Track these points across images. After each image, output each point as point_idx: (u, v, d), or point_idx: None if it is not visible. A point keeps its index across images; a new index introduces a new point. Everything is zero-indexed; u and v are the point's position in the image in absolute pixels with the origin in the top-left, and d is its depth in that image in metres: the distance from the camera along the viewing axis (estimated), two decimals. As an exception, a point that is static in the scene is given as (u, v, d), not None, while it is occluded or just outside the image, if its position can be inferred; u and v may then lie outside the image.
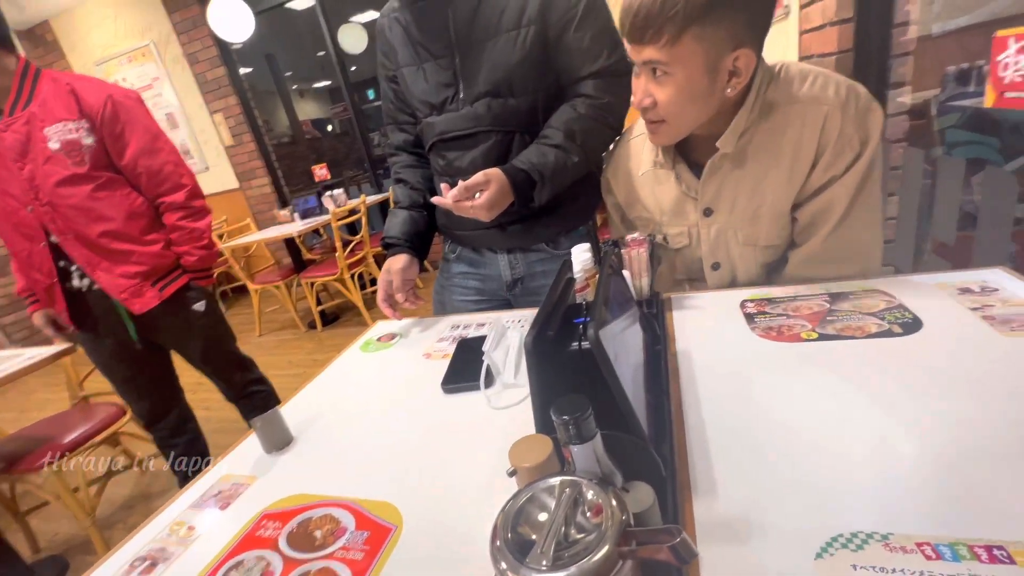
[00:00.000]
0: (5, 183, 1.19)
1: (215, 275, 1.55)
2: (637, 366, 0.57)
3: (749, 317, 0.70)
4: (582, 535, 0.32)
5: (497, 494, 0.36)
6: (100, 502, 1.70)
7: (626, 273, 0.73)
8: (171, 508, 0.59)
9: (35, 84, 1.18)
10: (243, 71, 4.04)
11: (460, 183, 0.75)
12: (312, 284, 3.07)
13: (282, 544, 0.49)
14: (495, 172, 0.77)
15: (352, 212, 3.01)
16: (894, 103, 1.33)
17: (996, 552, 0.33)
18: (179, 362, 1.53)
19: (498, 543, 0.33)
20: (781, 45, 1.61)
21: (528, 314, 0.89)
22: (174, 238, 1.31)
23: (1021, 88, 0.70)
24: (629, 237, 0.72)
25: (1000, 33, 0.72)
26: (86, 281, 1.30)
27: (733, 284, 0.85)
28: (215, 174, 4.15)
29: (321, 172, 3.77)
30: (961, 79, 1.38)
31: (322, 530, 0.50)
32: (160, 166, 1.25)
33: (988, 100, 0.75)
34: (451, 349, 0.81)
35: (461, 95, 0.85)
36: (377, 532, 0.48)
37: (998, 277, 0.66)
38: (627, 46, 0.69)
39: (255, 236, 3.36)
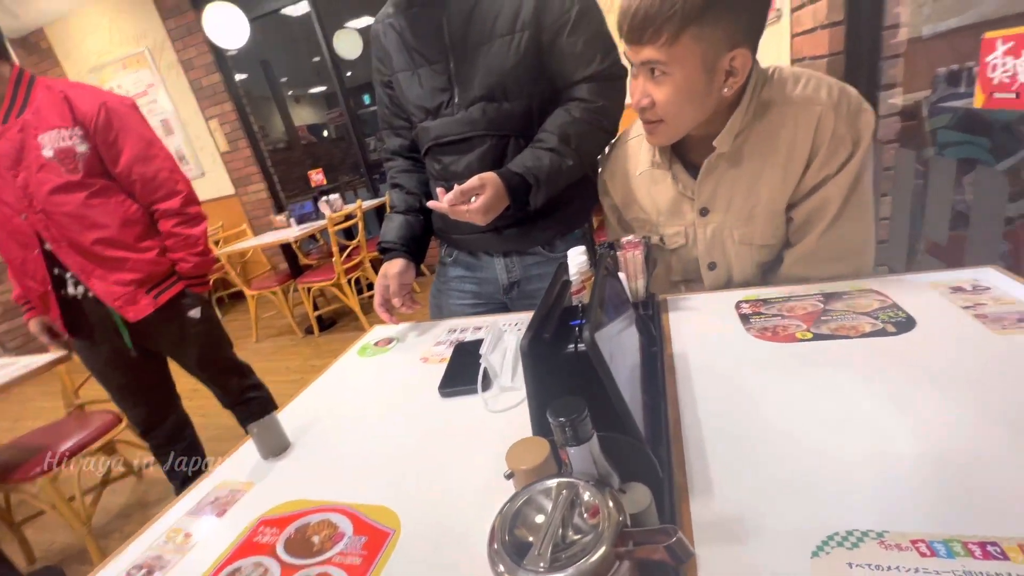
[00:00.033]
0: None
1: (211, 281, 1.55)
2: (634, 368, 0.57)
3: (744, 318, 0.70)
4: (579, 536, 0.32)
5: (495, 497, 0.36)
6: (96, 511, 1.69)
7: (622, 275, 0.73)
8: (168, 516, 0.59)
9: (29, 92, 1.18)
10: (238, 77, 4.04)
11: (456, 187, 0.76)
12: (309, 289, 3.06)
13: (280, 550, 0.49)
14: (490, 176, 0.77)
15: (348, 217, 3.01)
16: (885, 104, 1.34)
17: (990, 548, 0.34)
18: (176, 368, 1.52)
19: (495, 546, 0.33)
20: (774, 48, 1.62)
21: (525, 317, 0.89)
22: (169, 245, 1.30)
23: (1009, 89, 0.71)
24: (624, 239, 0.73)
25: (988, 35, 0.73)
26: (81, 289, 1.29)
27: (729, 284, 0.86)
28: (211, 180, 4.14)
29: (317, 177, 3.77)
30: (952, 80, 1.40)
31: (320, 535, 0.50)
32: (155, 173, 1.25)
33: (977, 101, 0.76)
34: (448, 353, 0.81)
35: (456, 100, 0.85)
36: (375, 537, 0.48)
37: (990, 276, 0.66)
38: (625, 47, 0.70)
39: (251, 242, 3.35)
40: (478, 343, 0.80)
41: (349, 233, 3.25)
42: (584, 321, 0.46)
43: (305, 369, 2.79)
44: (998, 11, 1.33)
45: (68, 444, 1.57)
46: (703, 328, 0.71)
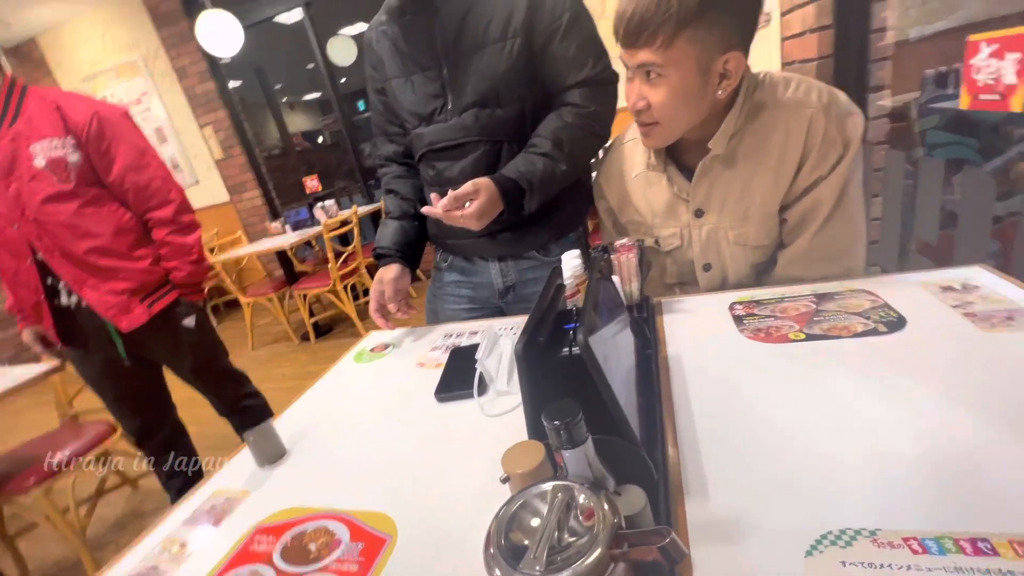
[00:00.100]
0: None
1: (206, 290, 1.54)
2: (629, 370, 0.57)
3: (738, 319, 0.70)
4: (575, 539, 0.32)
5: (492, 501, 0.36)
6: (91, 522, 1.67)
7: (616, 278, 0.74)
8: (163, 526, 0.58)
9: (21, 101, 1.18)
10: (233, 84, 4.04)
11: (450, 193, 0.76)
12: (305, 296, 3.06)
13: (276, 558, 0.49)
14: (484, 181, 0.78)
15: (344, 223, 3.01)
16: (874, 106, 1.36)
17: (980, 544, 0.34)
18: (171, 377, 1.51)
19: (492, 550, 0.33)
20: (764, 51, 1.64)
21: (520, 321, 0.89)
22: (163, 253, 1.30)
23: (994, 91, 0.72)
24: (618, 243, 0.73)
25: (972, 37, 0.74)
26: (74, 298, 1.29)
27: (724, 285, 0.87)
28: (205, 188, 4.13)
29: (312, 184, 3.77)
30: (939, 82, 1.42)
31: (316, 543, 0.49)
32: (147, 181, 1.25)
33: (963, 102, 0.77)
34: (444, 358, 0.81)
35: (449, 106, 0.86)
36: (372, 543, 0.48)
37: (979, 275, 0.67)
38: (621, 51, 0.72)
39: (246, 249, 3.34)
40: (474, 348, 0.80)
41: (345, 239, 3.25)
42: (578, 325, 0.46)
43: (301, 376, 2.78)
44: (983, 13, 1.35)
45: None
46: (697, 330, 0.71)
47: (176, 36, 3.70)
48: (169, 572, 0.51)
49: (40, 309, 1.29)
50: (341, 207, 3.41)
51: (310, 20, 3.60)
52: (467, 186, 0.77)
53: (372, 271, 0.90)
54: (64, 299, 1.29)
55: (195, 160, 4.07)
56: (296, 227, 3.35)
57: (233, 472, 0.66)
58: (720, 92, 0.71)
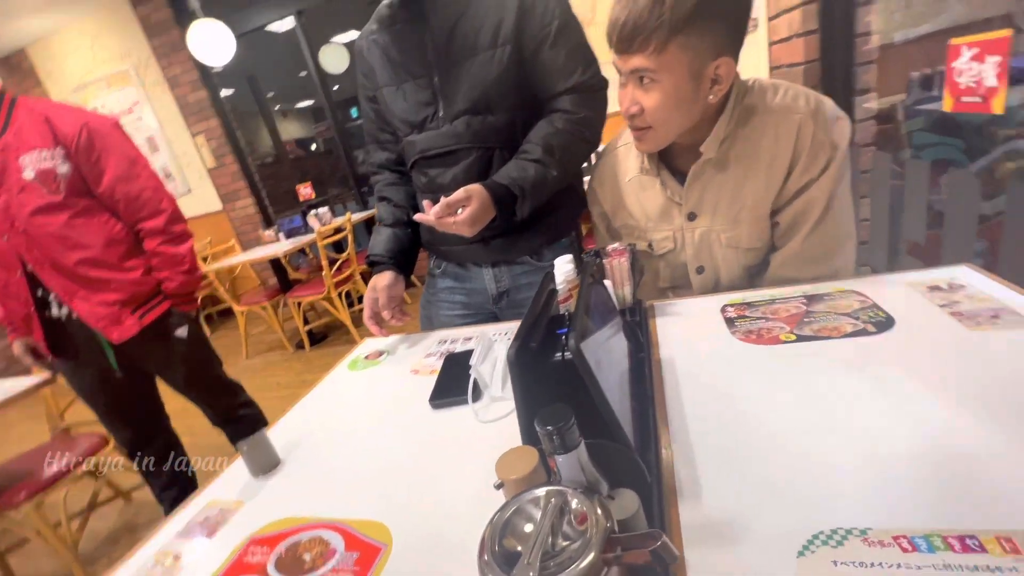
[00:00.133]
0: None
1: (199, 299, 1.54)
2: (622, 374, 0.57)
3: (730, 321, 0.71)
4: (568, 543, 0.32)
5: (487, 507, 0.36)
6: (83, 536, 1.65)
7: (608, 283, 0.74)
8: (156, 538, 0.58)
9: (10, 113, 1.17)
10: (225, 93, 4.04)
11: (442, 200, 0.76)
12: (299, 304, 3.05)
13: (271, 569, 0.49)
14: (476, 188, 0.78)
15: (338, 230, 3.01)
16: (861, 109, 1.37)
17: (968, 541, 0.34)
18: (164, 387, 1.50)
19: (486, 557, 0.33)
20: (752, 56, 1.66)
21: (514, 326, 0.89)
22: (155, 263, 1.29)
23: (976, 93, 0.73)
24: (610, 247, 0.74)
25: (954, 41, 0.76)
26: (64, 310, 1.28)
27: (717, 287, 0.88)
28: (198, 196, 4.11)
29: (305, 191, 3.76)
30: (925, 84, 1.44)
31: (311, 553, 0.49)
32: (138, 192, 1.25)
33: (946, 105, 0.78)
34: (439, 364, 0.81)
35: (441, 113, 0.86)
36: (367, 552, 0.48)
37: (964, 274, 0.68)
38: (614, 56, 0.73)
39: (240, 257, 3.33)
40: (468, 354, 0.80)
41: (339, 246, 3.24)
42: (570, 330, 0.47)
43: (296, 384, 2.77)
44: (966, 17, 1.38)
45: (53, 468, 1.54)
46: (690, 333, 0.72)
47: (167, 45, 3.70)
48: (162, 585, 0.51)
49: (30, 321, 1.28)
50: (335, 214, 3.40)
51: (302, 28, 3.61)
52: (459, 193, 0.77)
53: (367, 278, 0.90)
54: (55, 311, 1.28)
55: (187, 169, 4.05)
56: (290, 235, 3.34)
57: (227, 483, 0.65)
58: (712, 97, 0.72)
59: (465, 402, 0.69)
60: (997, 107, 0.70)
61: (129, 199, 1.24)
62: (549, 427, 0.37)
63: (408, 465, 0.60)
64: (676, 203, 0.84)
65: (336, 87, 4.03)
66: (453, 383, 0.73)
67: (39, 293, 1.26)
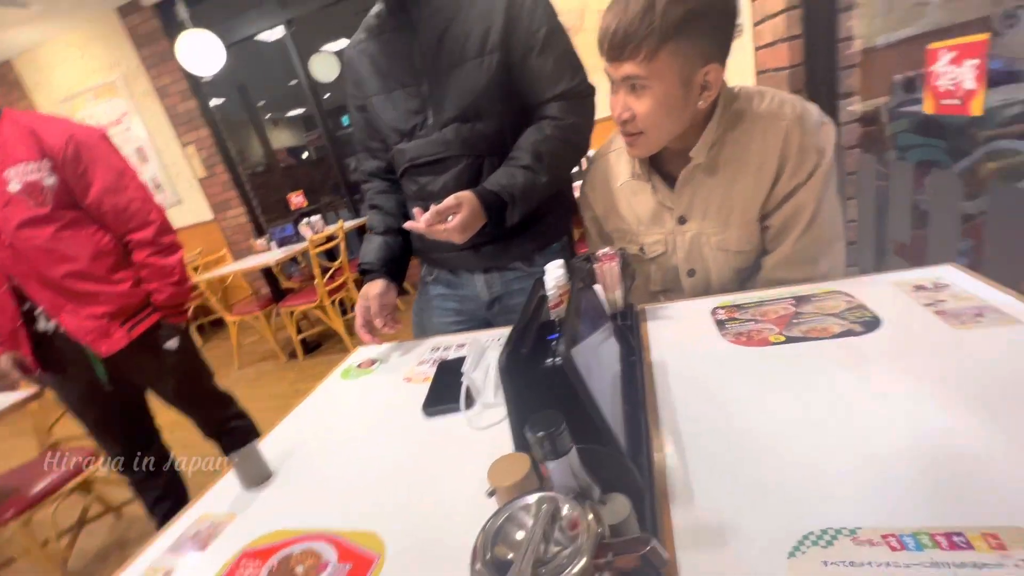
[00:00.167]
0: None
1: (189, 311, 1.52)
2: (614, 378, 0.58)
3: (720, 324, 0.72)
4: (560, 549, 0.32)
5: (480, 515, 0.36)
6: (72, 554, 1.62)
7: (599, 287, 0.74)
8: (147, 554, 0.57)
9: None
10: (216, 102, 4.03)
11: (432, 207, 0.77)
12: (292, 313, 3.03)
13: (262, 583, 0.48)
14: (466, 195, 0.79)
15: (330, 238, 3.00)
16: (845, 112, 1.40)
17: (955, 539, 0.35)
18: (155, 400, 1.49)
19: (478, 565, 0.33)
20: (738, 61, 1.68)
21: (507, 332, 0.89)
22: (143, 275, 1.28)
23: (955, 96, 0.75)
24: (600, 252, 0.74)
25: (932, 46, 0.77)
26: (52, 324, 1.26)
27: (708, 290, 0.88)
28: (188, 207, 4.09)
29: (297, 200, 3.75)
30: (907, 87, 1.47)
31: (304, 565, 0.49)
32: (127, 203, 1.24)
33: (927, 107, 0.80)
34: (432, 372, 0.81)
35: (430, 121, 0.87)
36: (359, 563, 0.47)
37: (948, 273, 0.69)
38: (605, 64, 0.74)
39: (231, 267, 3.31)
40: (461, 360, 0.80)
41: (332, 255, 3.23)
42: (560, 335, 0.47)
43: (290, 394, 2.74)
44: (945, 21, 1.41)
45: (41, 485, 1.51)
46: (681, 336, 0.72)
47: (156, 56, 3.69)
48: (152, 602, 0.50)
49: (17, 336, 1.26)
50: (327, 222, 3.40)
51: (292, 38, 3.61)
52: (449, 200, 0.77)
53: (360, 286, 0.89)
54: (42, 325, 1.27)
55: (177, 179, 4.03)
56: (282, 244, 3.33)
57: (219, 496, 0.64)
58: (701, 102, 0.74)
59: (458, 409, 0.69)
60: (975, 109, 0.71)
61: (117, 211, 1.23)
62: (539, 433, 0.37)
63: (401, 474, 0.60)
64: (667, 207, 0.86)
65: (327, 95, 4.02)
66: (446, 390, 0.73)
67: (25, 307, 1.25)
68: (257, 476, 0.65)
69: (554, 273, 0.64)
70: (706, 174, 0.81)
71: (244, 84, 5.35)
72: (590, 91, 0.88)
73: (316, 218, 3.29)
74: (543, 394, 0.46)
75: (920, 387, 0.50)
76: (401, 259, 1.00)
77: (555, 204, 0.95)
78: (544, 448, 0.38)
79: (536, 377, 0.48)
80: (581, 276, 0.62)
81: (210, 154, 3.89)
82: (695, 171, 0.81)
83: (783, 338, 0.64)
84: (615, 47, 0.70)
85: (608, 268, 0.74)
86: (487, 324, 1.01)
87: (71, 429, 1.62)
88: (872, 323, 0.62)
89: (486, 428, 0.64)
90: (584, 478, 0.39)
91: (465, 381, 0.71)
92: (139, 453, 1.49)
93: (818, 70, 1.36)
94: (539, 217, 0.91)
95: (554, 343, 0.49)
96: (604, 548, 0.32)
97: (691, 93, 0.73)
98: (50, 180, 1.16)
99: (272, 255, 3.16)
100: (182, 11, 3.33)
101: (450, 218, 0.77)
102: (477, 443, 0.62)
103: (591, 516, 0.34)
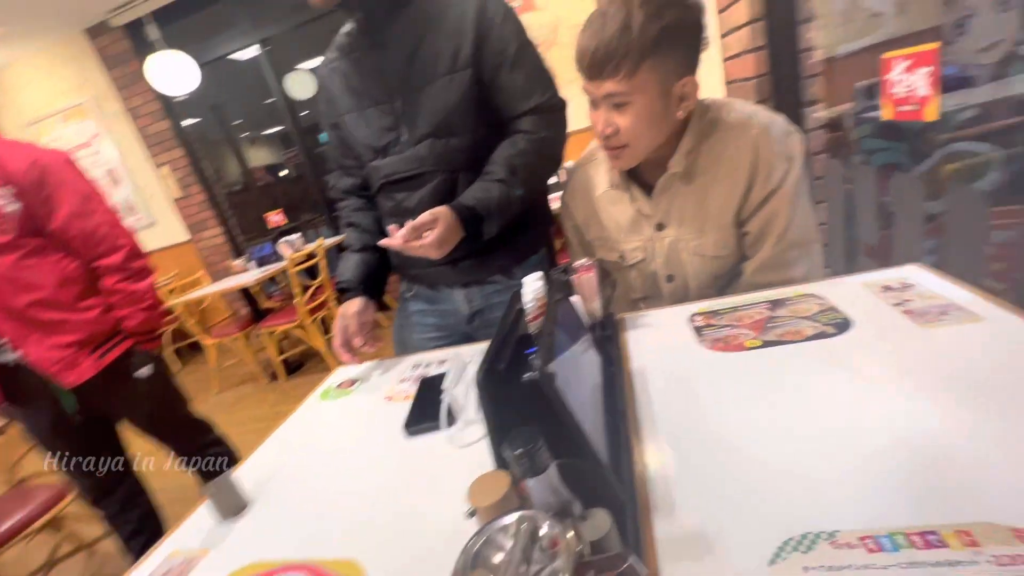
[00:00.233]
0: None
1: (162, 337, 1.48)
2: (594, 389, 0.58)
3: (698, 330, 0.72)
4: (540, 568, 0.32)
5: (461, 537, 0.36)
6: (41, 596, 1.54)
7: (577, 299, 0.75)
8: (114, 595, 0.54)
9: None
10: (191, 121, 3.97)
11: (408, 223, 0.76)
12: (272, 333, 2.97)
13: (237, 620, 0.46)
14: (442, 210, 0.79)
15: (310, 256, 2.96)
16: (811, 119, 1.44)
17: (929, 537, 0.35)
18: (129, 429, 1.43)
19: (457, 590, 0.32)
20: (708, 72, 1.73)
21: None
22: (114, 301, 1.24)
23: (911, 102, 0.78)
24: (577, 264, 0.74)
25: (886, 55, 0.80)
26: (16, 355, 1.21)
27: (687, 295, 0.90)
28: (163, 228, 4.00)
29: (276, 218, 3.70)
30: (869, 94, 1.52)
31: (281, 599, 0.47)
32: (94, 228, 1.20)
33: (885, 114, 0.83)
34: (413, 390, 0.80)
35: (403, 138, 0.87)
36: (339, 593, 0.46)
37: (914, 273, 0.71)
38: (585, 82, 0.76)
39: (208, 289, 3.23)
40: (443, 377, 0.79)
41: (312, 273, 3.19)
42: (537, 350, 0.47)
43: (271, 416, 2.68)
44: (902, 30, 1.47)
45: (8, 524, 1.44)
46: (660, 344, 0.73)
47: (127, 76, 3.63)
48: (120, 647, 0.47)
49: (-22, 368, 1.21)
50: (307, 240, 3.36)
51: (267, 56, 3.59)
52: (425, 215, 0.77)
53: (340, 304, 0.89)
54: (6, 356, 1.22)
55: (151, 200, 3.95)
56: (261, 263, 3.27)
57: (191, 529, 0.62)
58: (680, 112, 0.77)
59: (440, 427, 0.68)
60: (930, 115, 0.74)
61: (84, 236, 1.19)
62: (517, 451, 0.37)
63: (381, 497, 0.58)
64: (645, 215, 0.88)
65: (304, 113, 4.00)
66: (428, 408, 0.72)
67: (-12, 339, 1.20)
68: (233, 507, 0.62)
69: (532, 286, 0.64)
70: (683, 182, 0.83)
71: (219, 103, 5.29)
72: (562, 105, 0.89)
73: (295, 236, 3.25)
74: (522, 409, 0.46)
75: (890, 387, 0.51)
76: (379, 276, 0.99)
77: (532, 217, 0.95)
78: (523, 465, 0.37)
79: (514, 393, 0.47)
80: (559, 288, 0.62)
81: (185, 174, 3.83)
82: (672, 179, 0.83)
83: (760, 342, 0.65)
84: (595, 66, 0.72)
85: (586, 279, 0.74)
86: (468, 338, 1.00)
87: (39, 464, 1.55)
88: (843, 324, 0.63)
89: (469, 445, 0.63)
90: (564, 494, 0.39)
91: (446, 398, 0.71)
92: (112, 486, 1.43)
93: (783, 79, 1.41)
94: (517, 230, 0.91)
95: (532, 357, 0.49)
96: (584, 567, 0.31)
97: (670, 105, 0.76)
98: (13, 207, 1.12)
99: (251, 275, 3.10)
100: (153, 32, 3.29)
101: (426, 234, 0.77)
102: (459, 461, 0.61)
103: (571, 534, 0.33)
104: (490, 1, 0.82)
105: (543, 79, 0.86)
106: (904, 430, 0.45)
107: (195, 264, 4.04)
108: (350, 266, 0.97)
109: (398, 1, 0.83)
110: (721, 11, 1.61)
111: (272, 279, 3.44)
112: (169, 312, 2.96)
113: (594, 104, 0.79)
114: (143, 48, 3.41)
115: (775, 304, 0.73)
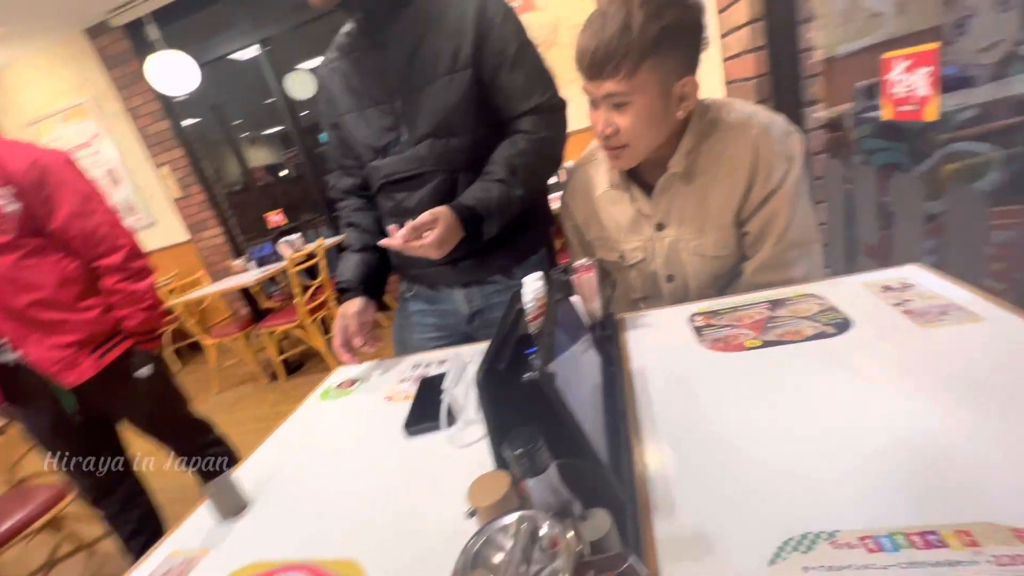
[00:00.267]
0: None
1: (162, 337, 1.48)
2: (594, 389, 0.58)
3: (698, 330, 0.72)
4: (540, 569, 0.32)
5: (461, 537, 0.36)
6: (41, 596, 1.54)
7: (577, 299, 0.75)
8: (114, 595, 0.54)
9: None
10: (190, 122, 3.97)
11: (408, 224, 0.76)
12: (272, 333, 2.97)
13: (237, 620, 0.46)
14: (442, 210, 0.79)
15: (310, 256, 2.96)
16: (811, 119, 1.44)
17: (930, 537, 0.35)
18: (129, 429, 1.43)
19: (457, 590, 0.32)
20: (708, 72, 1.73)
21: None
22: (113, 302, 1.24)
23: (910, 102, 0.78)
24: (576, 264, 0.75)
25: (886, 55, 0.80)
26: (17, 355, 1.21)
27: (687, 295, 0.90)
28: (163, 228, 4.00)
29: (276, 218, 3.70)
30: (869, 94, 1.52)
31: (281, 599, 0.47)
32: (94, 228, 1.20)
33: (885, 114, 0.83)
34: (413, 390, 0.80)
35: (403, 138, 0.87)
36: (339, 593, 0.46)
37: (913, 273, 0.71)
38: (585, 82, 0.76)
39: (208, 289, 3.23)
40: (443, 377, 0.79)
41: (312, 273, 3.19)
42: (536, 349, 0.47)
43: (271, 417, 2.68)
44: (901, 30, 1.47)
45: (8, 524, 1.44)
46: (660, 344, 0.73)
47: (127, 76, 3.63)
48: (120, 647, 0.47)
49: (-22, 368, 1.21)
50: (307, 240, 3.35)
51: (267, 56, 3.59)
52: (425, 215, 0.77)
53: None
54: (6, 356, 1.22)
55: (151, 200, 3.95)
56: (261, 263, 3.27)
57: (192, 529, 0.62)
58: (680, 112, 0.77)
59: (440, 427, 0.68)
60: (930, 114, 0.74)
61: (84, 236, 1.19)
62: (517, 451, 0.37)
63: (381, 497, 0.58)
64: (644, 215, 0.88)
65: (304, 113, 4.00)
66: (428, 408, 0.72)
67: (-12, 339, 1.20)
68: (233, 507, 0.62)
69: (532, 286, 0.64)
70: (683, 182, 0.83)
71: (219, 103, 5.29)
72: (562, 105, 0.89)
73: (295, 236, 3.25)
74: (522, 410, 0.46)
75: (891, 387, 0.51)
76: (379, 276, 0.99)
77: (532, 217, 0.95)
78: (523, 466, 0.37)
79: (514, 393, 0.47)
80: (559, 288, 0.62)
81: (185, 174, 3.83)
82: (672, 179, 0.83)
83: (759, 342, 0.65)
84: (595, 66, 0.72)
85: (586, 279, 0.74)
86: (469, 339, 1.00)
87: (39, 464, 1.55)
88: (843, 324, 0.63)
89: (469, 445, 0.63)
90: (565, 494, 0.39)
91: (446, 398, 0.71)
92: (112, 485, 1.43)
93: (783, 79, 1.41)
94: (517, 230, 0.91)
95: (532, 357, 0.49)
96: (584, 567, 0.31)
97: (671, 104, 0.76)
98: (13, 207, 1.12)
99: (251, 275, 3.10)
100: (153, 32, 3.29)
101: (426, 234, 0.77)
102: (459, 461, 0.61)
103: (571, 534, 0.33)
104: (490, 1, 0.82)
105: (543, 79, 0.86)
106: (904, 430, 0.45)
107: (195, 264, 4.04)
108: (350, 266, 0.97)
109: (398, 1, 0.83)
110: (721, 11, 1.61)
111: (272, 279, 3.44)
112: (169, 312, 2.96)
113: (594, 104, 0.79)
114: (143, 48, 3.41)
115: (775, 304, 0.73)
